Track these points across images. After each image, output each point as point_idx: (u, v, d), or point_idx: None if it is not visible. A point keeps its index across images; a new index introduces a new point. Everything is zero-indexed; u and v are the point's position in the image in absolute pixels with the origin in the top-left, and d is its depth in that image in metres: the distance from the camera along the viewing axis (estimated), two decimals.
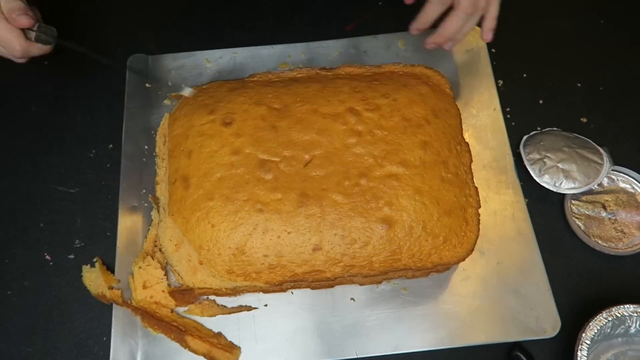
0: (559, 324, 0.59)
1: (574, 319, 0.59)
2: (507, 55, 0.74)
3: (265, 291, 0.59)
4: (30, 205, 0.65)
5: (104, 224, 0.64)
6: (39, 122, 0.70)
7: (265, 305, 0.60)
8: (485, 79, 0.71)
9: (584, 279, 0.63)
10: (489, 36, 0.64)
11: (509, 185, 0.66)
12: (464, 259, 0.57)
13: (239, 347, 0.57)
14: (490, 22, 0.63)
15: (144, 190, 0.64)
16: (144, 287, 0.58)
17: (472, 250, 0.57)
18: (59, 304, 0.61)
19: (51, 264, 0.63)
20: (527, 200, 0.66)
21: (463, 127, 0.68)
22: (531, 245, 0.63)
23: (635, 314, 0.56)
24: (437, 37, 0.63)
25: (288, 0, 0.78)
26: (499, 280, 0.61)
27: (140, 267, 0.59)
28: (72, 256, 0.63)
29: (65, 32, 0.75)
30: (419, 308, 0.60)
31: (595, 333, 0.55)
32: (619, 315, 0.56)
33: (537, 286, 0.61)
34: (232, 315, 0.59)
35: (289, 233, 0.54)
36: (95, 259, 0.62)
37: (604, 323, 0.55)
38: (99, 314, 0.60)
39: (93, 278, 0.60)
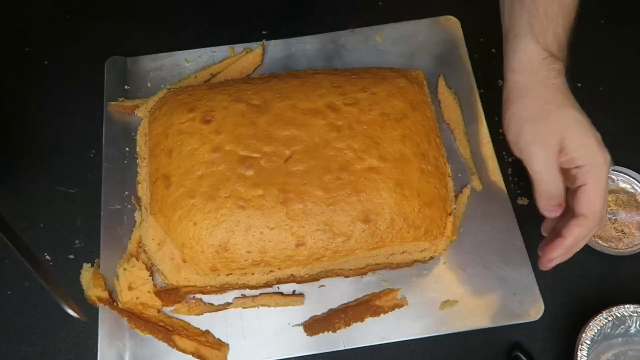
0: (542, 307, 0.60)
1: (574, 318, 0.60)
2: (497, 46, 0.75)
3: (251, 287, 0.59)
4: (30, 205, 0.65)
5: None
6: (39, 122, 0.70)
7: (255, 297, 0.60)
8: (464, 69, 0.72)
9: (584, 278, 0.63)
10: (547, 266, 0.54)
11: (489, 173, 0.67)
12: (444, 249, 0.58)
13: (227, 344, 0.58)
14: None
15: (126, 192, 0.64)
16: (130, 288, 0.58)
17: (451, 241, 0.58)
18: (59, 305, 0.60)
19: (51, 264, 0.62)
20: (527, 201, 0.66)
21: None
22: (513, 231, 0.63)
23: (636, 314, 0.56)
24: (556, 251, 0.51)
25: (289, 0, 0.78)
26: (482, 267, 0.62)
27: (125, 269, 0.59)
28: (72, 256, 0.63)
29: (59, 31, 0.75)
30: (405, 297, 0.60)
31: (595, 333, 0.56)
32: (619, 315, 0.56)
33: (519, 271, 0.61)
34: (220, 312, 0.59)
35: (271, 229, 0.54)
36: (96, 260, 0.61)
37: (604, 323, 0.56)
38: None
39: (89, 278, 0.60)
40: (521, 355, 0.58)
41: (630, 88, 0.74)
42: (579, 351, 0.55)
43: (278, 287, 0.61)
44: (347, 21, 0.76)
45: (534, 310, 0.59)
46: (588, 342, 0.55)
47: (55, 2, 0.78)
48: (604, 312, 0.56)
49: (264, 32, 0.75)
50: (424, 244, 0.57)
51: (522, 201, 0.67)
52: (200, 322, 0.59)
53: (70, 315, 0.50)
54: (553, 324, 0.60)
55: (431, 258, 0.60)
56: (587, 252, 0.64)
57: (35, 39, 0.75)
